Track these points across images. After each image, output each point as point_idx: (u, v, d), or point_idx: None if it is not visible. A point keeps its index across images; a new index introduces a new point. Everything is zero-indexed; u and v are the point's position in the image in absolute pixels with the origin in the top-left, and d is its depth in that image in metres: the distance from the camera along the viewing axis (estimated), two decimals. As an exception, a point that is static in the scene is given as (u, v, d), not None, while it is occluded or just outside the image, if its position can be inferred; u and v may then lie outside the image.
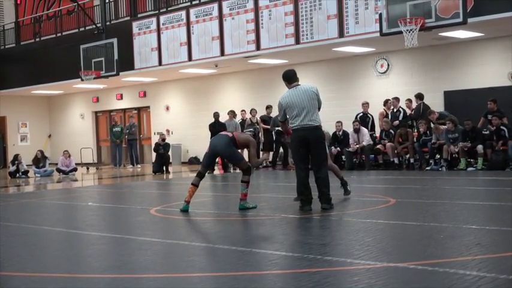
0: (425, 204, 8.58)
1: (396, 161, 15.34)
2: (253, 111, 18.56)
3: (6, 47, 25.81)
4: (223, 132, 8.92)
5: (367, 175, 14.30)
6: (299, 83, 8.10)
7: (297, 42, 16.34)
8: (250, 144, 8.50)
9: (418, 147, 14.98)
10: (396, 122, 15.69)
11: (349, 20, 15.31)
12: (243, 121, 18.51)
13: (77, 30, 22.87)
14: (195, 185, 8.40)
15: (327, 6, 15.64)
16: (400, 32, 13.35)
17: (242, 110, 19.02)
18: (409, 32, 13.19)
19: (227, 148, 8.36)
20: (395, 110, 16.15)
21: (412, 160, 15.18)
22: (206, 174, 8.80)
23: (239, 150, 8.64)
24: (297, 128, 7.91)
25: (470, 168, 13.93)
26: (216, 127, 17.29)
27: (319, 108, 8.01)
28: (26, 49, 24.54)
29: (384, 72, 17.73)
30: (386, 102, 16.41)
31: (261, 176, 15.59)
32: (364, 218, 7.34)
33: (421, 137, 15.09)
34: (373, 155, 15.94)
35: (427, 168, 14.60)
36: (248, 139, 8.58)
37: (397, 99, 16.15)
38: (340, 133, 16.24)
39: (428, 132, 14.98)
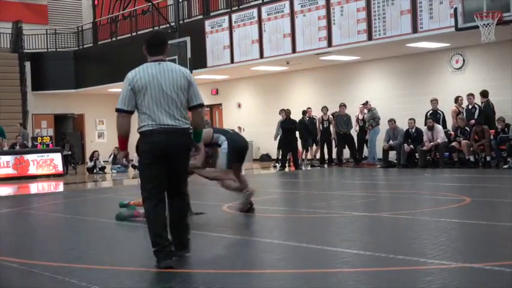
0: (502, 204, 8.34)
1: (472, 159, 14.94)
2: (324, 109, 18.41)
3: (85, 46, 26.70)
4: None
5: (442, 173, 14.01)
6: (165, 59, 5.31)
7: (369, 38, 16.14)
8: None
9: (495, 145, 14.54)
10: (472, 121, 15.24)
11: (423, 15, 15.02)
12: (310, 119, 18.41)
13: (151, 29, 23.36)
14: None
15: (400, 1, 15.39)
16: (476, 27, 13.01)
17: (308, 108, 18.75)
18: (486, 26, 12.83)
19: None
20: (470, 107, 15.73)
21: (488, 158, 14.75)
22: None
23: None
24: (150, 130, 5.05)
25: (550, 167, 13.46)
26: (287, 124, 17.36)
27: (198, 106, 5.18)
28: (102, 48, 25.32)
29: (459, 68, 17.28)
30: (457, 99, 16.02)
31: (332, 174, 15.50)
32: (438, 217, 7.20)
33: (498, 134, 14.64)
34: (447, 153, 15.60)
35: (504, 166, 14.17)
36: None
37: (472, 95, 15.73)
38: (413, 130, 15.98)
39: (506, 129, 14.51)
